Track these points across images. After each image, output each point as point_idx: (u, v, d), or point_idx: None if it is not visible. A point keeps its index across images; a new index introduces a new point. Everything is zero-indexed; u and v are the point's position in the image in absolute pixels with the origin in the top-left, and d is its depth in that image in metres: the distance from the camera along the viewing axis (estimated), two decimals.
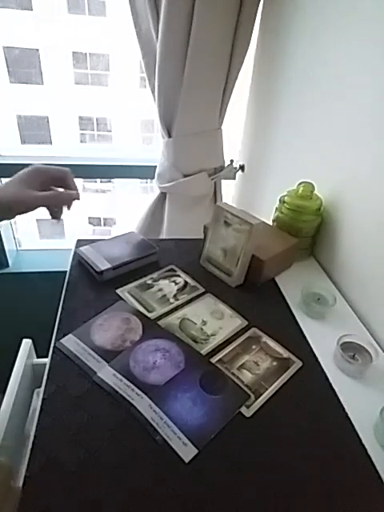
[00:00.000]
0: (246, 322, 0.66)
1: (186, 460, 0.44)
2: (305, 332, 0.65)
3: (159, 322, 0.64)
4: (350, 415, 0.51)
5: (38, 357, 0.85)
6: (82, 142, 7.53)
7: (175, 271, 0.78)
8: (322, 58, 0.83)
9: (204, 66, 1.08)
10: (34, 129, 7.21)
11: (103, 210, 7.91)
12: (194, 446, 0.45)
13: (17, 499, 0.40)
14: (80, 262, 0.77)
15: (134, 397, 0.50)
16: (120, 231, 0.84)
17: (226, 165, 1.35)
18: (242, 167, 1.39)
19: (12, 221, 1.53)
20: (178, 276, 0.77)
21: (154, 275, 0.76)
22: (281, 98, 1.05)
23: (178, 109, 1.15)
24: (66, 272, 0.76)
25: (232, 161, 1.37)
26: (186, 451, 0.45)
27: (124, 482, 0.42)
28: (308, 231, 0.81)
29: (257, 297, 0.73)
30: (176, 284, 0.74)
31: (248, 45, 1.11)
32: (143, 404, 0.49)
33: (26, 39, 6.45)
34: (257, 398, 0.52)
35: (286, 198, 0.82)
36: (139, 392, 0.51)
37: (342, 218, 0.77)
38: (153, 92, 1.17)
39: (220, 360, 0.58)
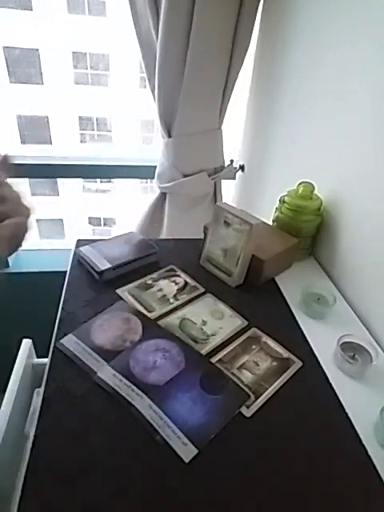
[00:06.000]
0: (246, 322, 0.66)
1: (186, 460, 0.44)
2: (305, 332, 0.65)
3: (159, 322, 0.64)
4: (350, 415, 0.51)
5: (38, 357, 0.85)
6: (82, 141, 7.54)
7: (175, 271, 0.78)
8: (322, 57, 0.83)
9: (204, 66, 1.08)
10: (34, 129, 7.21)
11: (103, 210, 7.91)
12: (194, 446, 0.45)
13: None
14: (80, 262, 0.77)
15: (134, 397, 0.50)
16: (120, 231, 0.84)
17: (226, 165, 1.35)
18: (242, 167, 1.39)
19: None
20: (178, 276, 0.77)
21: (154, 275, 0.76)
22: (281, 98, 1.05)
23: (177, 109, 1.15)
24: (65, 272, 0.76)
25: (232, 161, 1.37)
26: (186, 451, 0.45)
27: (124, 481, 0.42)
28: (308, 231, 0.81)
29: (257, 297, 0.73)
30: (176, 284, 0.74)
31: (248, 45, 1.11)
32: (143, 404, 0.49)
33: (25, 39, 6.45)
34: (257, 398, 0.52)
35: (286, 198, 0.82)
36: (139, 392, 0.51)
37: (342, 218, 0.77)
38: (153, 92, 1.17)
39: (220, 360, 0.58)
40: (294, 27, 0.96)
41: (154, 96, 1.18)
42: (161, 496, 0.41)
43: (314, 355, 0.60)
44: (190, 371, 0.55)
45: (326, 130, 0.83)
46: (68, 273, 0.75)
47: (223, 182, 1.39)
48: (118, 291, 0.71)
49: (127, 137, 7.43)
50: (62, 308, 0.66)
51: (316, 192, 0.80)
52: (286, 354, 0.60)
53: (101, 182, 7.57)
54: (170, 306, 0.68)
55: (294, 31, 0.96)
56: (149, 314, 0.66)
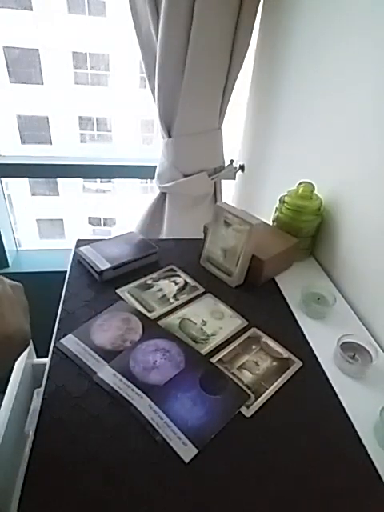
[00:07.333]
0: (246, 322, 0.66)
1: (186, 460, 0.44)
2: (305, 332, 0.65)
3: (159, 322, 0.64)
4: (349, 415, 0.51)
5: (38, 357, 0.85)
6: (82, 142, 7.54)
7: (175, 271, 0.78)
8: (323, 57, 0.83)
9: (204, 66, 1.08)
10: (34, 129, 7.21)
11: (103, 210, 7.91)
12: (194, 446, 0.45)
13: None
14: (80, 262, 0.77)
15: (134, 397, 0.50)
16: (120, 231, 0.84)
17: (226, 165, 1.35)
18: (242, 167, 1.39)
19: (12, 221, 1.53)
20: (178, 276, 0.77)
21: (154, 275, 0.76)
22: (281, 97, 1.05)
23: (177, 109, 1.15)
24: (65, 272, 0.76)
25: (232, 161, 1.37)
26: (186, 451, 0.45)
27: (124, 482, 0.42)
28: (308, 231, 0.81)
29: (257, 297, 0.73)
30: (176, 284, 0.74)
31: (248, 45, 1.11)
32: (143, 404, 0.49)
33: (25, 39, 6.45)
34: (257, 398, 0.52)
35: (286, 198, 0.82)
36: (139, 392, 0.51)
37: (342, 218, 0.77)
38: (153, 92, 1.17)
39: (220, 360, 0.58)
40: (294, 26, 0.96)
41: (153, 96, 1.18)
42: (161, 496, 0.41)
43: (314, 355, 0.60)
44: (189, 371, 0.55)
45: (327, 130, 0.83)
46: (68, 273, 0.75)
47: (223, 181, 1.39)
48: (118, 291, 0.71)
49: (127, 137, 7.43)
50: (62, 308, 0.66)
51: (316, 192, 0.80)
52: (286, 354, 0.60)
53: (101, 181, 7.57)
54: (170, 306, 0.68)
55: (294, 31, 0.96)
56: (149, 314, 0.66)
